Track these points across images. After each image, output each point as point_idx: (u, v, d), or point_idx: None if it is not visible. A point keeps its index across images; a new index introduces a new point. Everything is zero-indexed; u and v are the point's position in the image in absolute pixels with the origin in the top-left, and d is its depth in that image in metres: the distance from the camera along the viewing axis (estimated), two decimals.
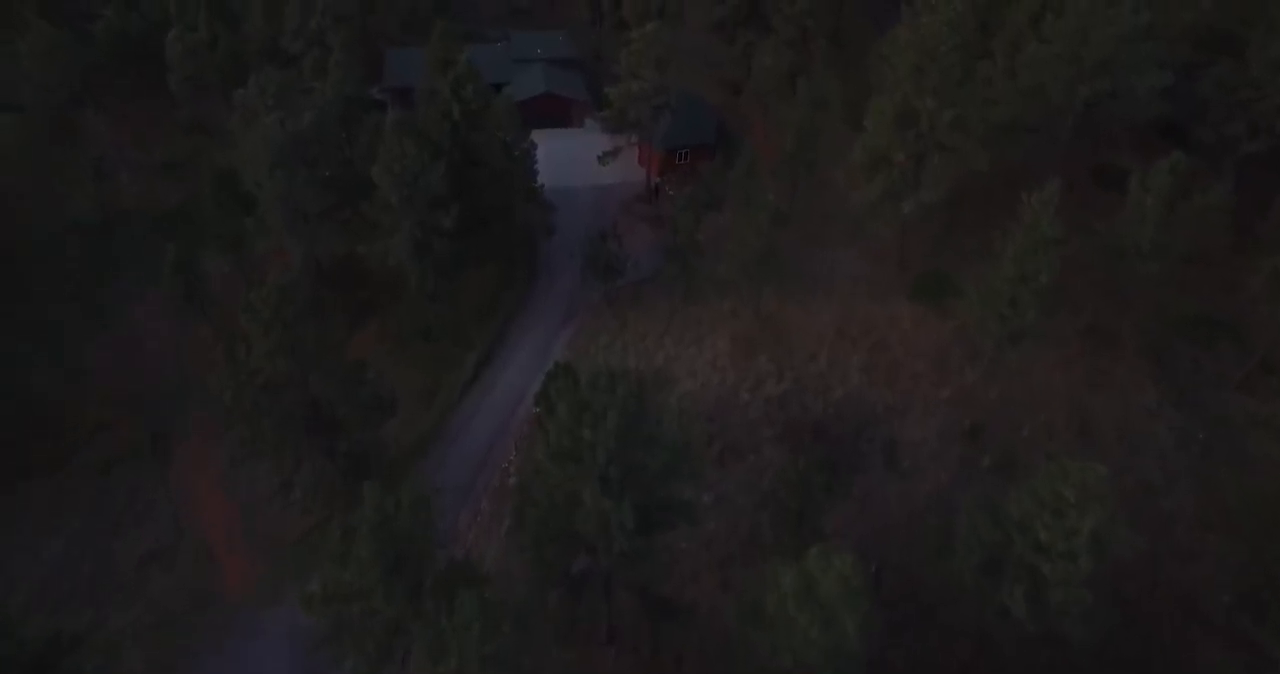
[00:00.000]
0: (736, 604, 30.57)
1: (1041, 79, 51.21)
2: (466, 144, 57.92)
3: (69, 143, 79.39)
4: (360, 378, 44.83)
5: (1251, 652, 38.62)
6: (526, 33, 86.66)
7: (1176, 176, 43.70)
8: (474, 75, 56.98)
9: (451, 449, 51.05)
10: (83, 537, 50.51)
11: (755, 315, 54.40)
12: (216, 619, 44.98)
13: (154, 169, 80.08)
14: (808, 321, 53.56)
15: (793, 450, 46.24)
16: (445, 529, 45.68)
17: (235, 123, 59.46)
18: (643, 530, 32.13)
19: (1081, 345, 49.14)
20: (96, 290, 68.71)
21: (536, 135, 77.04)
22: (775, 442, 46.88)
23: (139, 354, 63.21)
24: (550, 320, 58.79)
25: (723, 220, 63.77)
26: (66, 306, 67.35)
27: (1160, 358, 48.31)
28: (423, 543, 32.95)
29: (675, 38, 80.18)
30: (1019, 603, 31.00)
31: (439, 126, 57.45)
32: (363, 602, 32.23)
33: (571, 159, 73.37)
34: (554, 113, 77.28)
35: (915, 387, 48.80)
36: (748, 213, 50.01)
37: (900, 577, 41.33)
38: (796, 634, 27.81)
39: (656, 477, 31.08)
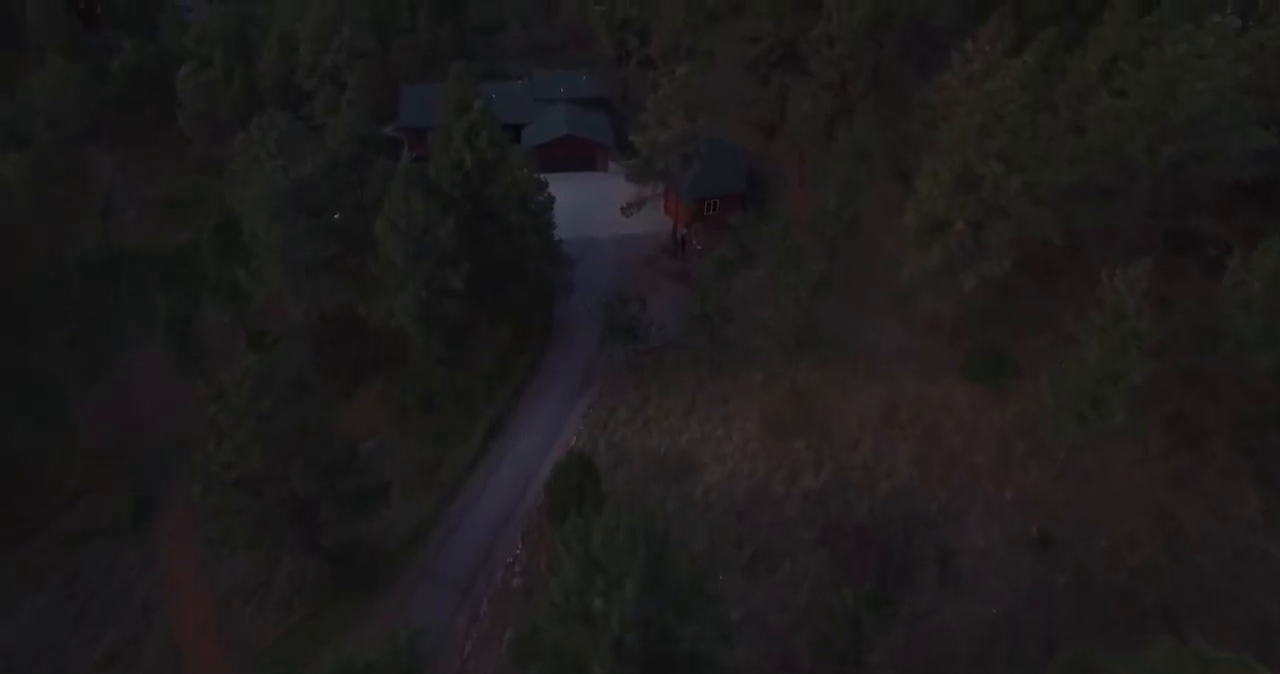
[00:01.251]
0: None
1: (1116, 137, 44.70)
2: (480, 196, 52.35)
3: (78, 178, 74.99)
4: (348, 467, 38.94)
5: None
6: (549, 70, 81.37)
7: None
8: (489, 122, 51.48)
9: (453, 537, 44.83)
10: (44, 623, 44.86)
11: (790, 391, 48.00)
12: None
13: (163, 206, 75.52)
14: (849, 401, 47.06)
15: (833, 558, 39.71)
16: (444, 626, 39.92)
17: (235, 169, 54.33)
18: None
19: (1164, 440, 42.23)
20: (95, 337, 63.77)
21: (557, 179, 71.50)
22: (813, 547, 40.29)
23: (132, 411, 57.90)
24: (566, 388, 52.67)
25: (755, 276, 57.78)
26: (62, 354, 62.43)
27: (1259, 458, 41.26)
28: None
29: (705, 78, 74.72)
30: None
31: (450, 176, 51.98)
32: None
33: (593, 206, 67.66)
34: (576, 156, 71.67)
35: (973, 483, 42.08)
36: (785, 280, 43.78)
37: None
38: None
39: (684, 639, 24.75)
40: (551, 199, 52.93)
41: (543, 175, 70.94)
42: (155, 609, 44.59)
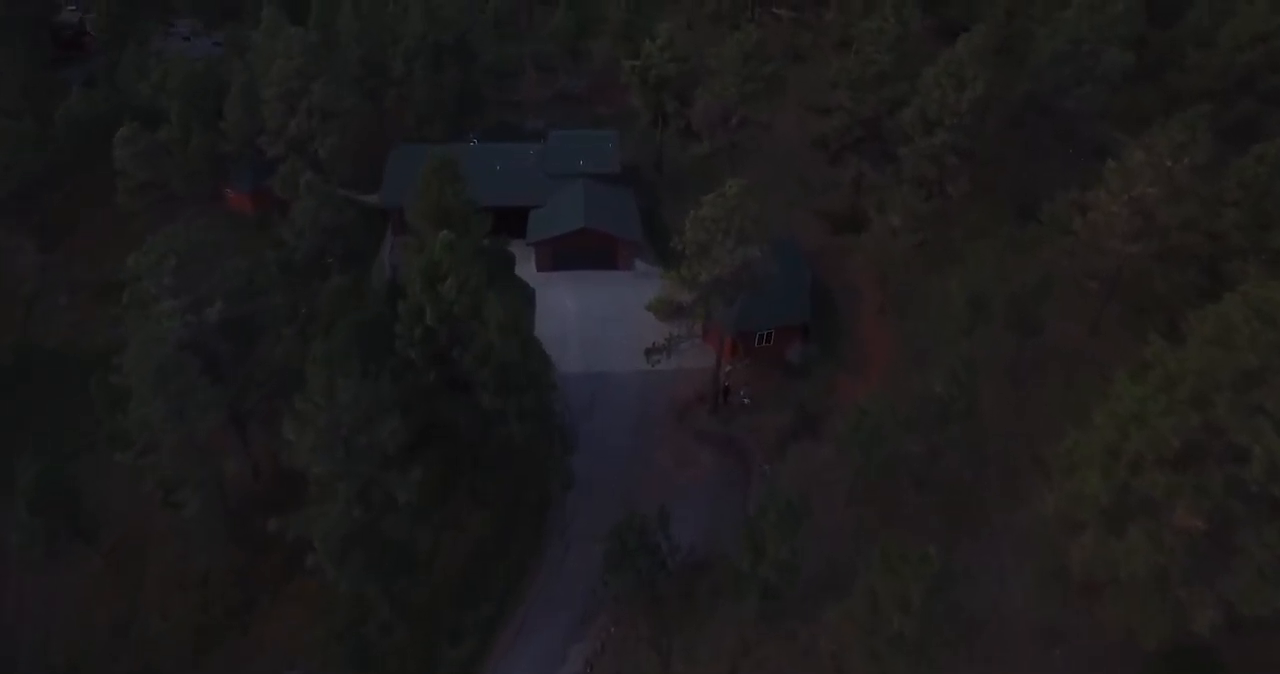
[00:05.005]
0: None
1: None
2: (445, 358, 35.86)
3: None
4: None
5: None
6: (569, 130, 63.99)
7: None
8: (458, 261, 34.73)
9: None
10: None
11: None
12: None
13: (99, 290, 59.98)
14: None
15: None
16: None
17: (123, 308, 38.56)
18: None
19: None
20: None
21: (568, 280, 55.17)
22: None
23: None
24: (558, 627, 36.01)
25: (824, 455, 40.85)
26: None
27: None
28: None
29: (760, 149, 57.27)
30: None
31: (408, 330, 35.52)
32: None
33: (610, 321, 50.85)
34: (593, 252, 54.62)
35: None
36: (886, 565, 26.74)
37: None
38: None
39: None
40: (547, 368, 36.19)
41: (551, 273, 55.72)
42: None
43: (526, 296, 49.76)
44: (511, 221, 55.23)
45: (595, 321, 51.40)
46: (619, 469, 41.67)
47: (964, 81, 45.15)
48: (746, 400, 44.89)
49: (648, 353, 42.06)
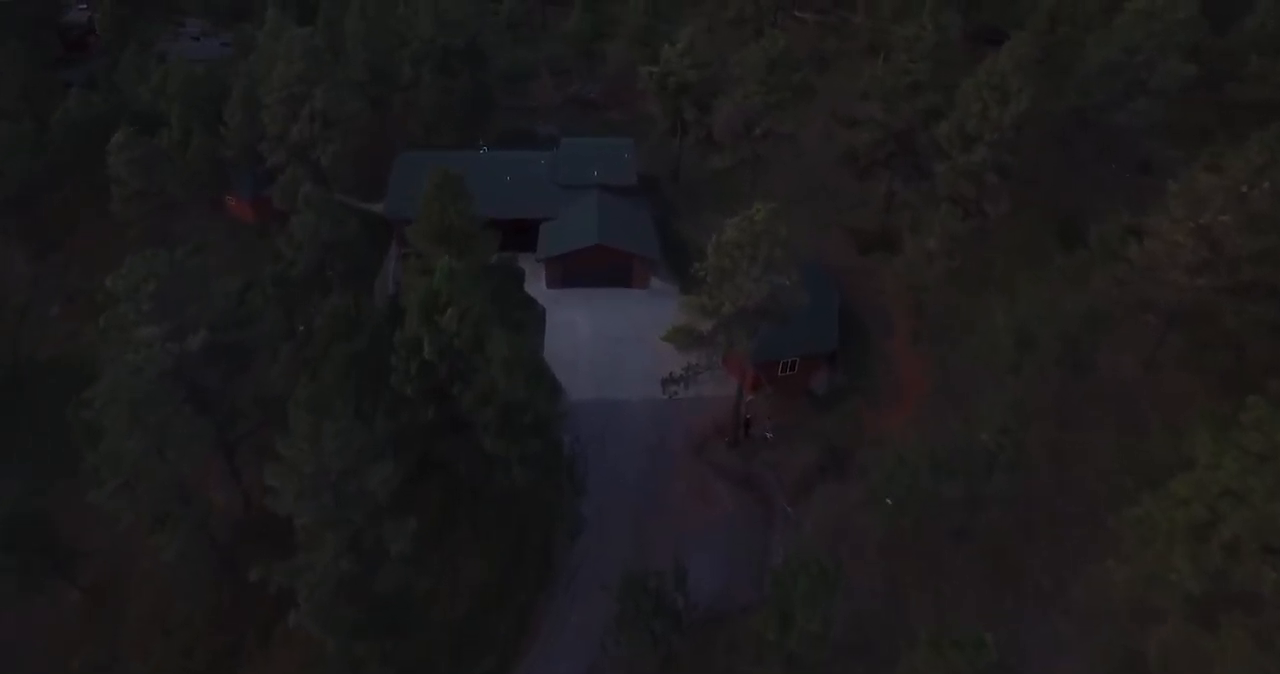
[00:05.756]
0: None
1: None
2: (444, 395, 32.60)
3: None
4: None
5: None
6: (582, 138, 60.50)
7: None
8: (459, 290, 31.48)
9: None
10: None
11: None
12: None
13: (91, 300, 57.27)
14: None
15: None
16: None
17: (100, 331, 35.65)
18: None
19: None
20: None
21: (580, 298, 51.93)
22: None
23: None
24: None
25: (850, 497, 37.42)
26: None
27: None
28: None
29: (784, 161, 53.86)
30: None
31: (405, 364, 32.27)
32: None
33: (625, 343, 47.50)
34: (608, 269, 51.19)
35: None
36: (935, 658, 23.32)
37: None
38: None
39: None
40: (555, 402, 32.91)
41: (561, 290, 52.50)
42: None
43: (536, 315, 46.64)
44: (521, 234, 52.11)
45: (608, 342, 48.12)
46: (631, 506, 38.52)
47: (1007, 95, 41.50)
48: (769, 435, 41.47)
49: (664, 384, 38.69)
